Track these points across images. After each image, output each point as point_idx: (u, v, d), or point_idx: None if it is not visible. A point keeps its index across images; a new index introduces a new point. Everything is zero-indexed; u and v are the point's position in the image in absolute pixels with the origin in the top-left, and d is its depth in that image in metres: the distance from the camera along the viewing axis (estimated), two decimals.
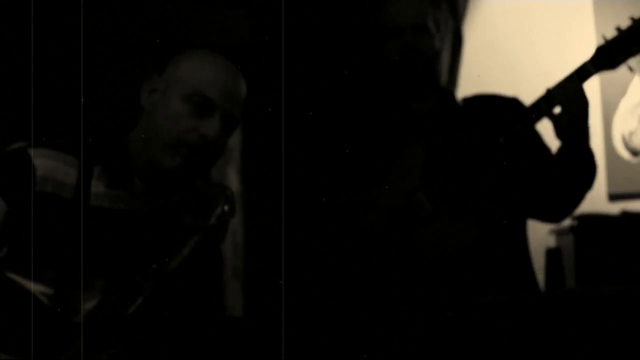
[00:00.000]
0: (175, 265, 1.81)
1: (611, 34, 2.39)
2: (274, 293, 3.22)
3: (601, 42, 2.40)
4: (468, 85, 3.50)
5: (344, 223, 2.53)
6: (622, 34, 2.37)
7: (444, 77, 2.60)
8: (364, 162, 2.57)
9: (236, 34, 3.36)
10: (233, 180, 3.44)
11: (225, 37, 3.34)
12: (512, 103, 2.57)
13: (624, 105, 3.47)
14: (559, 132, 2.42)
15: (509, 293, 2.37)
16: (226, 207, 1.85)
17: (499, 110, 2.54)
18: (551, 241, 3.31)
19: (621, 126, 3.48)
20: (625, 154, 3.48)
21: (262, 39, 3.33)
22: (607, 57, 2.38)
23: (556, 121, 2.41)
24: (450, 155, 2.47)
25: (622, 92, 3.47)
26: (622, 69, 2.43)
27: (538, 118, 2.43)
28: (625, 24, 2.40)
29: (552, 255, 3.22)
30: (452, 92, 2.64)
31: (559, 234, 3.26)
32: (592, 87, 3.51)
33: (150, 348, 1.88)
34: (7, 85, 2.87)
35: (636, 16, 2.37)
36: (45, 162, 1.85)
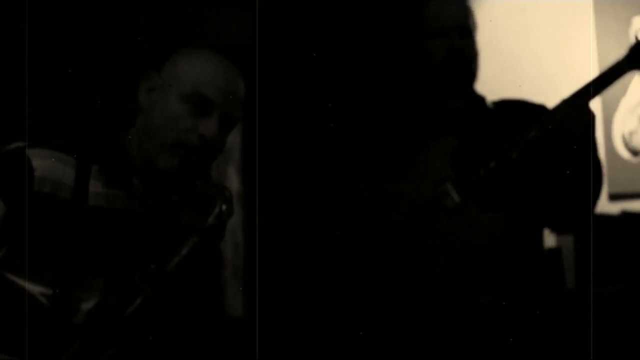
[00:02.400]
0: (174, 266, 1.81)
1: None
2: (274, 293, 3.23)
3: (633, 41, 2.43)
4: None
5: (371, 215, 2.54)
6: None
7: (478, 76, 2.63)
8: (391, 154, 2.58)
9: (237, 33, 3.37)
10: (233, 180, 3.44)
11: (225, 36, 3.34)
12: (539, 110, 2.59)
13: (624, 105, 3.47)
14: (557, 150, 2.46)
15: (528, 288, 2.40)
16: (224, 207, 1.85)
17: (525, 116, 2.56)
18: (551, 241, 3.30)
19: (621, 126, 3.48)
20: (625, 154, 3.48)
21: (265, 39, 3.33)
22: None
23: (554, 140, 2.44)
24: (479, 150, 2.50)
25: (622, 92, 3.46)
26: None
27: (534, 139, 2.46)
28: (625, 24, 2.42)
29: (552, 255, 3.21)
30: (482, 94, 2.66)
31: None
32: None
33: (149, 348, 1.88)
34: (5, 85, 2.87)
35: None
36: (43, 163, 1.85)
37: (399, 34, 2.69)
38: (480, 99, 2.66)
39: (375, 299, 2.47)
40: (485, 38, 3.60)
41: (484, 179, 2.47)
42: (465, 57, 2.56)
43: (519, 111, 2.61)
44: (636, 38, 2.44)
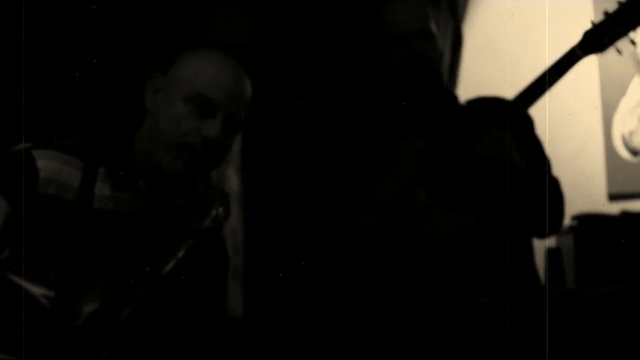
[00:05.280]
0: (169, 268, 1.80)
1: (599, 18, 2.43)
2: (274, 293, 3.23)
3: (589, 26, 2.42)
4: (468, 85, 3.51)
5: (342, 218, 2.54)
6: (608, 17, 2.40)
7: (445, 76, 2.62)
8: (360, 158, 2.58)
9: (238, 33, 3.37)
10: (233, 180, 3.44)
11: (227, 36, 3.34)
12: (504, 104, 2.58)
13: (624, 105, 3.47)
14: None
15: (511, 286, 2.39)
16: (220, 210, 1.84)
17: (489, 111, 2.55)
18: (551, 241, 3.31)
19: (621, 126, 3.48)
20: (625, 154, 3.48)
21: (264, 39, 3.34)
22: (595, 40, 2.41)
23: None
24: (447, 149, 2.49)
25: (622, 92, 3.47)
26: (623, 61, 2.45)
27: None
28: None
29: (552, 255, 3.22)
30: (453, 92, 2.65)
31: (559, 233, 3.26)
32: (592, 87, 3.52)
33: (146, 351, 1.87)
34: (12, 86, 2.87)
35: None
36: (49, 164, 1.84)
37: (365, 39, 2.68)
38: (452, 99, 2.66)
39: (357, 299, 2.47)
40: (485, 38, 3.62)
41: (452, 178, 2.47)
42: (427, 61, 2.55)
43: (490, 109, 2.60)
44: (592, 23, 2.43)
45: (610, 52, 2.50)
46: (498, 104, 2.59)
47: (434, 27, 2.56)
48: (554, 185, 2.55)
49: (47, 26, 2.94)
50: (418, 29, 2.53)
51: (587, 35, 2.42)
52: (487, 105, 2.60)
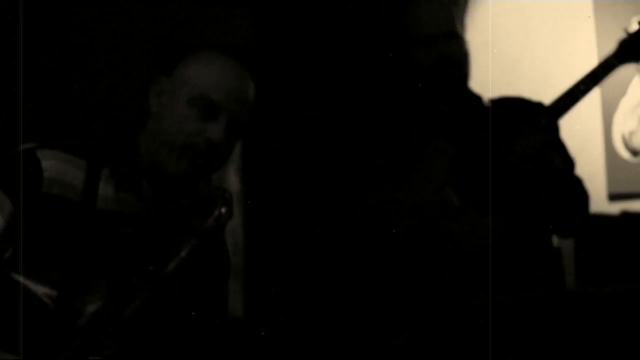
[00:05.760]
0: (172, 268, 1.80)
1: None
2: (274, 293, 3.23)
3: (624, 35, 2.43)
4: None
5: (374, 220, 2.54)
6: None
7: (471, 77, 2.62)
8: (393, 160, 2.57)
9: (240, 34, 3.37)
10: (233, 181, 3.45)
11: (229, 37, 3.35)
12: (537, 107, 2.58)
13: (624, 105, 3.47)
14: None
15: (533, 289, 2.40)
16: (224, 210, 1.84)
17: (522, 113, 2.56)
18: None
19: (621, 126, 3.48)
20: (625, 154, 3.48)
21: (265, 40, 3.34)
22: (631, 49, 2.42)
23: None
24: (478, 152, 2.49)
25: (622, 92, 3.47)
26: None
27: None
28: (625, 24, 2.42)
29: (552, 255, 3.22)
30: (479, 93, 2.65)
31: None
32: None
33: (149, 350, 1.88)
34: (12, 86, 2.88)
35: None
36: (53, 164, 1.85)
37: (392, 41, 2.68)
38: (477, 99, 2.66)
39: (378, 302, 2.47)
40: (485, 38, 3.62)
41: (483, 182, 2.47)
42: (455, 62, 2.54)
43: (516, 109, 2.60)
44: (627, 32, 2.44)
45: None
46: (530, 106, 2.60)
47: (460, 28, 2.56)
48: (581, 185, 2.57)
49: (49, 27, 2.95)
50: (445, 30, 2.53)
51: (623, 44, 2.44)
52: (519, 107, 2.61)
